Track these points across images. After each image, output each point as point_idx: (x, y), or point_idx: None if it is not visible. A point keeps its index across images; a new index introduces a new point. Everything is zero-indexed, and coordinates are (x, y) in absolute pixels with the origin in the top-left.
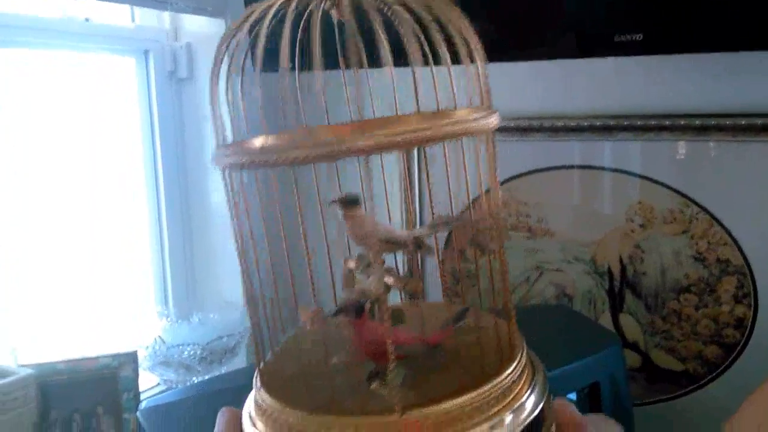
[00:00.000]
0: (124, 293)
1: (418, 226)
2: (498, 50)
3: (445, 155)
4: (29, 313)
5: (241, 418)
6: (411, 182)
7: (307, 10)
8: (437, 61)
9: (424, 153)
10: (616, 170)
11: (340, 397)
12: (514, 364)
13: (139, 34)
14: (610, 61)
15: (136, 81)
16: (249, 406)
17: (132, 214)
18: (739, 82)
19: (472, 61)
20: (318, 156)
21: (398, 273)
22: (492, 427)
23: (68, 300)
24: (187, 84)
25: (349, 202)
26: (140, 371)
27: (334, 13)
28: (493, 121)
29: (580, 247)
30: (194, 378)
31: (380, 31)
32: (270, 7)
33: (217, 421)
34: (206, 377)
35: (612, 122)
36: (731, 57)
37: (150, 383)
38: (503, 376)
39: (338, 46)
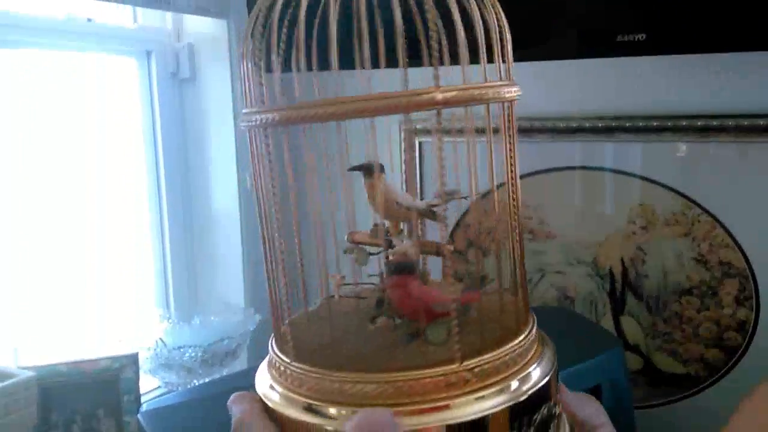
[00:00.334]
0: (125, 295)
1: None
2: None
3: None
4: (30, 314)
5: (259, 400)
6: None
7: None
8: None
9: (440, 120)
10: (617, 172)
11: (386, 355)
12: (525, 334)
13: (141, 35)
14: (612, 61)
15: (138, 82)
16: (265, 382)
17: (133, 216)
18: (741, 82)
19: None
20: (351, 112)
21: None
22: (500, 391)
23: (69, 302)
24: (190, 85)
25: (373, 169)
26: (141, 374)
27: None
28: (514, 90)
29: (582, 249)
30: (195, 380)
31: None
32: None
33: (235, 409)
34: (207, 380)
35: (614, 123)
36: (734, 57)
37: (151, 386)
38: (514, 344)
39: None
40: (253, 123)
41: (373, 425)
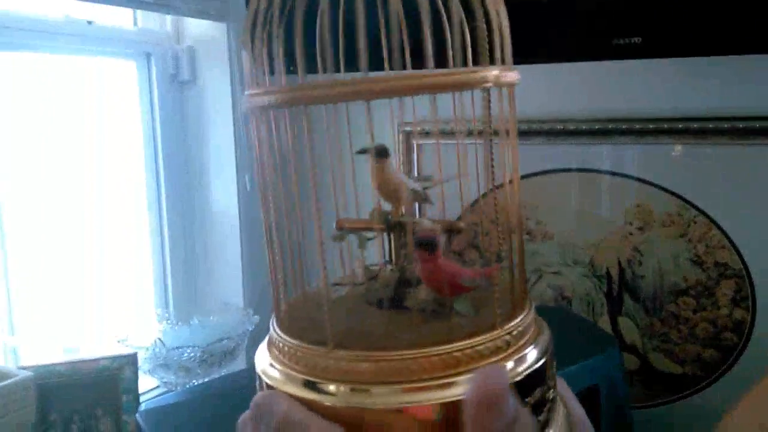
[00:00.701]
0: (124, 295)
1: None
2: None
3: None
4: (29, 314)
5: (292, 397)
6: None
7: None
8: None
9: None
10: (614, 173)
11: (385, 333)
12: (523, 314)
13: (141, 37)
14: (609, 64)
15: (137, 84)
16: (264, 360)
17: (133, 217)
18: (737, 85)
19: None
20: (358, 92)
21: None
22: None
23: (68, 302)
24: (189, 87)
25: (383, 153)
26: (140, 374)
27: None
28: (513, 75)
29: (579, 250)
30: (194, 380)
31: None
32: None
33: (275, 409)
34: (206, 380)
35: (611, 125)
36: (729, 60)
37: (150, 385)
38: (513, 324)
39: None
40: (262, 103)
41: (490, 396)
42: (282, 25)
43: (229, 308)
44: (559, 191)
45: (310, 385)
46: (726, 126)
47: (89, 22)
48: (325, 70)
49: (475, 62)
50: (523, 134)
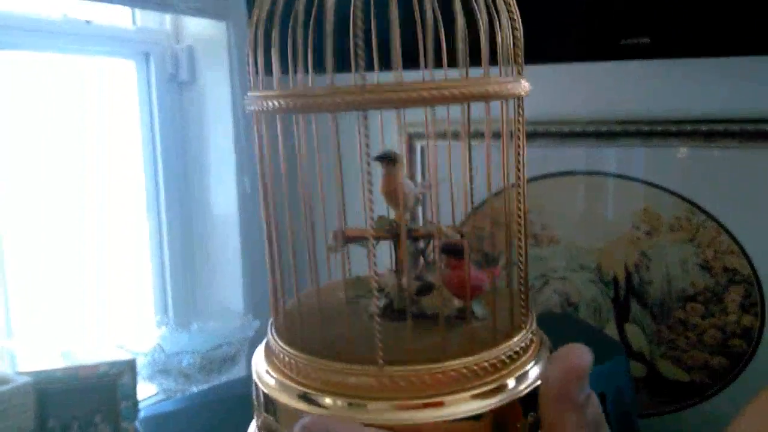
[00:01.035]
0: (123, 301)
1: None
2: None
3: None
4: (28, 319)
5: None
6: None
7: None
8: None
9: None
10: (621, 176)
11: (384, 347)
12: (524, 331)
13: (140, 37)
14: (616, 65)
15: (136, 84)
16: (261, 366)
17: (132, 220)
18: (747, 87)
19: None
20: (370, 102)
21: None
22: (496, 390)
23: (67, 306)
24: (189, 87)
25: (393, 160)
26: (139, 381)
27: None
28: (524, 86)
29: (585, 255)
30: (194, 387)
31: None
32: None
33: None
34: (205, 386)
35: (618, 128)
36: (738, 61)
37: (149, 392)
38: (514, 341)
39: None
40: (268, 107)
41: (577, 369)
42: (298, 26)
43: (229, 314)
44: (565, 195)
45: (305, 397)
46: (735, 128)
47: (88, 22)
48: (356, 70)
49: (493, 62)
50: (528, 136)
